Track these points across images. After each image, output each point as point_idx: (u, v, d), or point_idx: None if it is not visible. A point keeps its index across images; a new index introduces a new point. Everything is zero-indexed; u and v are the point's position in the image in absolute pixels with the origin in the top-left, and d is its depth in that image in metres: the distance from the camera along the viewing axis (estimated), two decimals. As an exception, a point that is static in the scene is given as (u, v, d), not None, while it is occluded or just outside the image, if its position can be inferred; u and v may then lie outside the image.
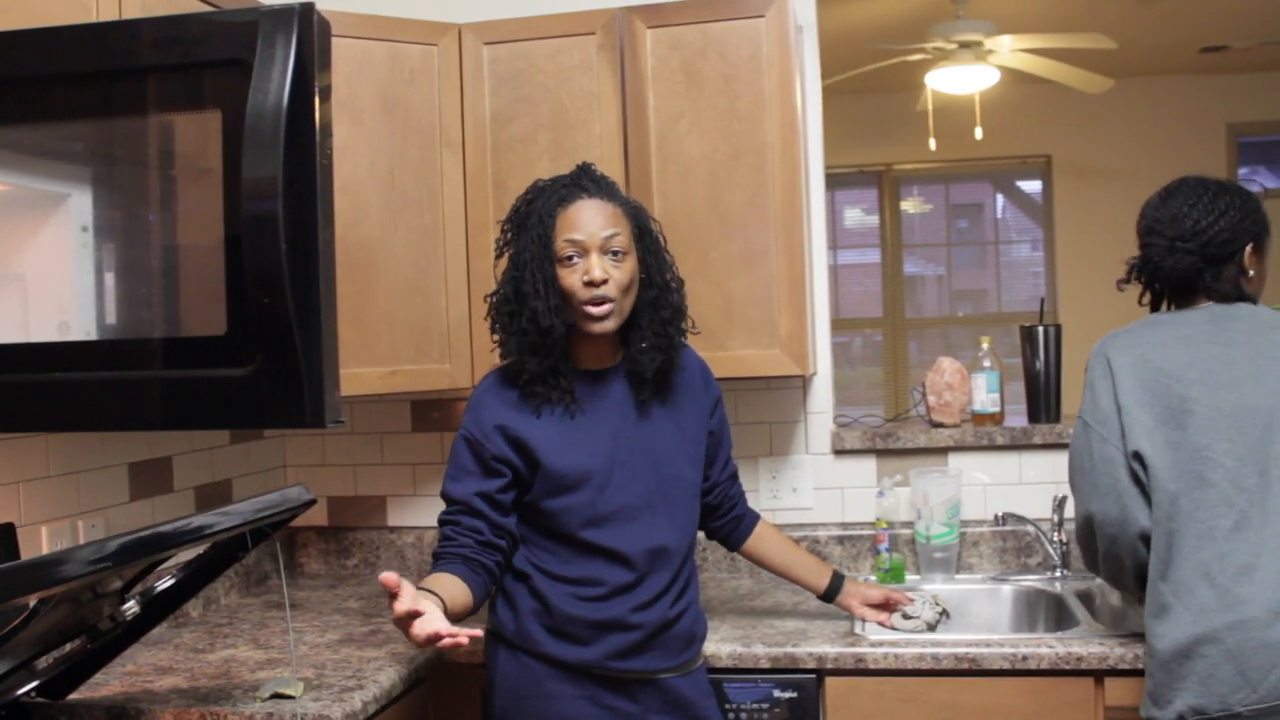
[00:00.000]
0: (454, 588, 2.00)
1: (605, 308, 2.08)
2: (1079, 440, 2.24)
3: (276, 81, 1.64)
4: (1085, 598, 2.72)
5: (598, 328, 2.10)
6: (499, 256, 2.20)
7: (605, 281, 2.07)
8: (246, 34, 1.67)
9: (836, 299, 7.76)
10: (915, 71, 6.07)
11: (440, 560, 2.10)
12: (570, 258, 2.08)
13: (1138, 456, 2.13)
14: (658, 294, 2.16)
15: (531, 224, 2.12)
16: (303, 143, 1.65)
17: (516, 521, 2.17)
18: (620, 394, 2.19)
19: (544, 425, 2.14)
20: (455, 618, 1.93)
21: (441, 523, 2.15)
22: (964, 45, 5.61)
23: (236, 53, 1.68)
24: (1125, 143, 7.49)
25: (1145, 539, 2.13)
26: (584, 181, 2.14)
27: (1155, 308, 2.32)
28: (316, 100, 1.66)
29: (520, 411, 2.14)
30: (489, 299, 2.20)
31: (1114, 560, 2.20)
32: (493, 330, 2.18)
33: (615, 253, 2.09)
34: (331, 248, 1.71)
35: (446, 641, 1.74)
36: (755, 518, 2.49)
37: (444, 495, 2.17)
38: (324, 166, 1.67)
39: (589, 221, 2.09)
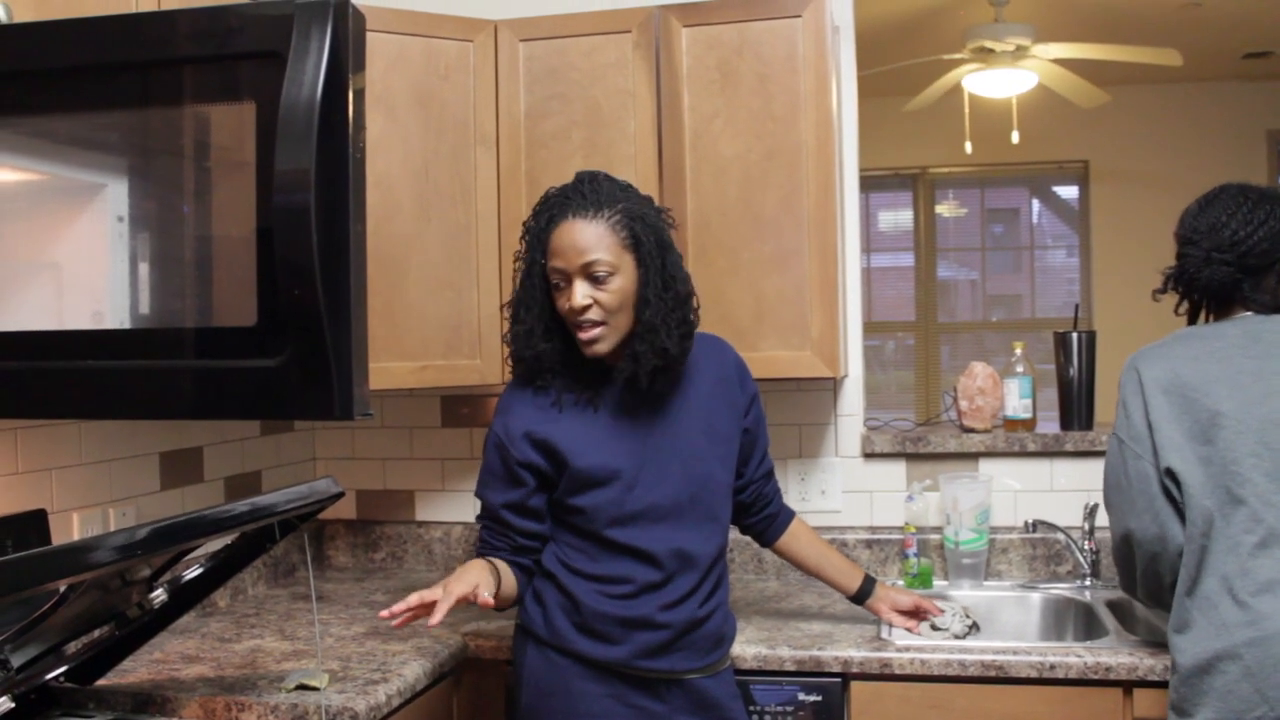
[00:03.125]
0: (510, 575, 2.16)
1: (594, 332, 2.08)
2: (1114, 457, 2.21)
3: (310, 73, 1.64)
4: (1115, 607, 2.69)
5: (590, 351, 2.11)
6: (517, 264, 2.20)
7: (587, 308, 2.06)
8: (282, 26, 1.67)
9: (869, 302, 7.73)
10: (965, 74, 6.02)
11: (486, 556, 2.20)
12: (558, 283, 2.09)
13: (1170, 473, 2.10)
14: (640, 307, 2.09)
15: (532, 243, 2.14)
16: (336, 135, 1.65)
17: (549, 526, 2.20)
18: (649, 394, 2.18)
19: (569, 423, 2.14)
20: (505, 601, 2.15)
21: (479, 522, 2.24)
22: (1019, 49, 5.56)
23: (271, 44, 1.68)
24: (1165, 149, 7.42)
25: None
26: (575, 197, 2.10)
27: (1193, 319, 2.28)
28: (350, 93, 1.66)
29: (545, 412, 2.15)
30: (503, 309, 2.23)
31: (1154, 578, 2.17)
32: (506, 342, 2.21)
33: (597, 276, 2.06)
34: (363, 241, 1.71)
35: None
36: (790, 515, 2.48)
37: (479, 497, 2.23)
38: (356, 159, 1.68)
39: (569, 247, 2.06)
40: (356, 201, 1.68)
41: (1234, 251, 2.17)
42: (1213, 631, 2.01)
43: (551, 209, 2.11)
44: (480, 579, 2.02)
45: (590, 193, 2.10)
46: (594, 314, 2.06)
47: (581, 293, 2.06)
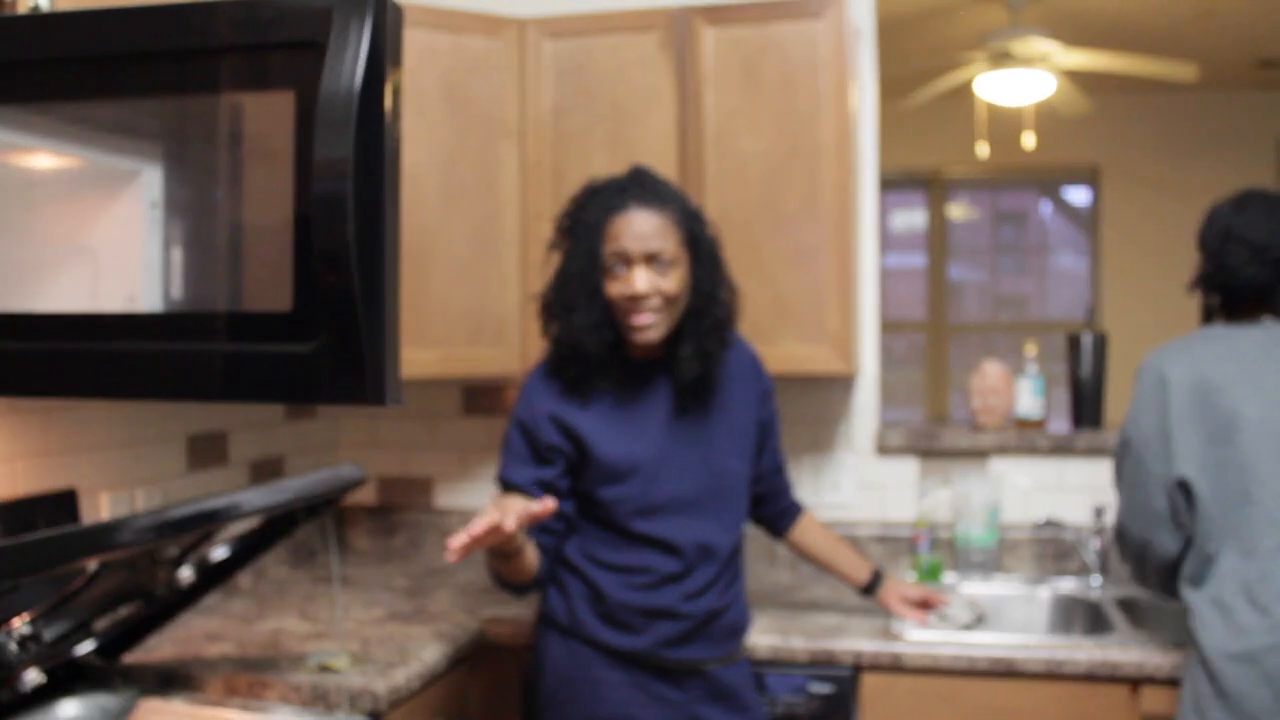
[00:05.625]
0: (531, 549, 2.10)
1: (647, 318, 2.10)
2: (1121, 454, 2.25)
3: (350, 63, 1.66)
4: (1123, 605, 2.72)
5: (640, 338, 2.12)
6: (550, 251, 2.22)
7: (647, 295, 2.08)
8: (321, 16, 1.70)
9: (882, 301, 7.74)
10: (972, 78, 6.03)
11: None
12: (616, 268, 2.10)
13: (1182, 485, 2.12)
14: (703, 303, 2.16)
15: (580, 232, 2.13)
16: (374, 125, 1.67)
17: (573, 507, 2.20)
18: (669, 386, 2.21)
19: (593, 415, 2.16)
20: (527, 571, 2.10)
21: None
22: (1043, 55, 5.56)
23: (311, 34, 1.70)
24: (1176, 155, 7.43)
25: (1169, 565, 2.15)
26: (634, 189, 2.12)
27: (1207, 319, 2.30)
28: (388, 84, 1.69)
29: (570, 401, 2.17)
30: (537, 298, 2.22)
31: (1138, 570, 2.26)
32: (543, 331, 2.21)
33: (661, 263, 2.09)
34: (397, 229, 1.73)
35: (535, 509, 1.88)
36: (800, 508, 2.52)
37: (501, 480, 2.20)
38: (392, 149, 1.70)
39: (635, 232, 2.08)
40: (392, 191, 1.71)
41: (1270, 254, 2.18)
42: (1229, 635, 2.02)
43: (609, 199, 2.12)
44: (521, 501, 1.95)
45: (651, 186, 2.14)
46: (654, 301, 2.09)
47: (643, 278, 2.08)
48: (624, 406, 2.18)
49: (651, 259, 2.09)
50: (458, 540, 1.79)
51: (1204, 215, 2.30)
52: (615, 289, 2.10)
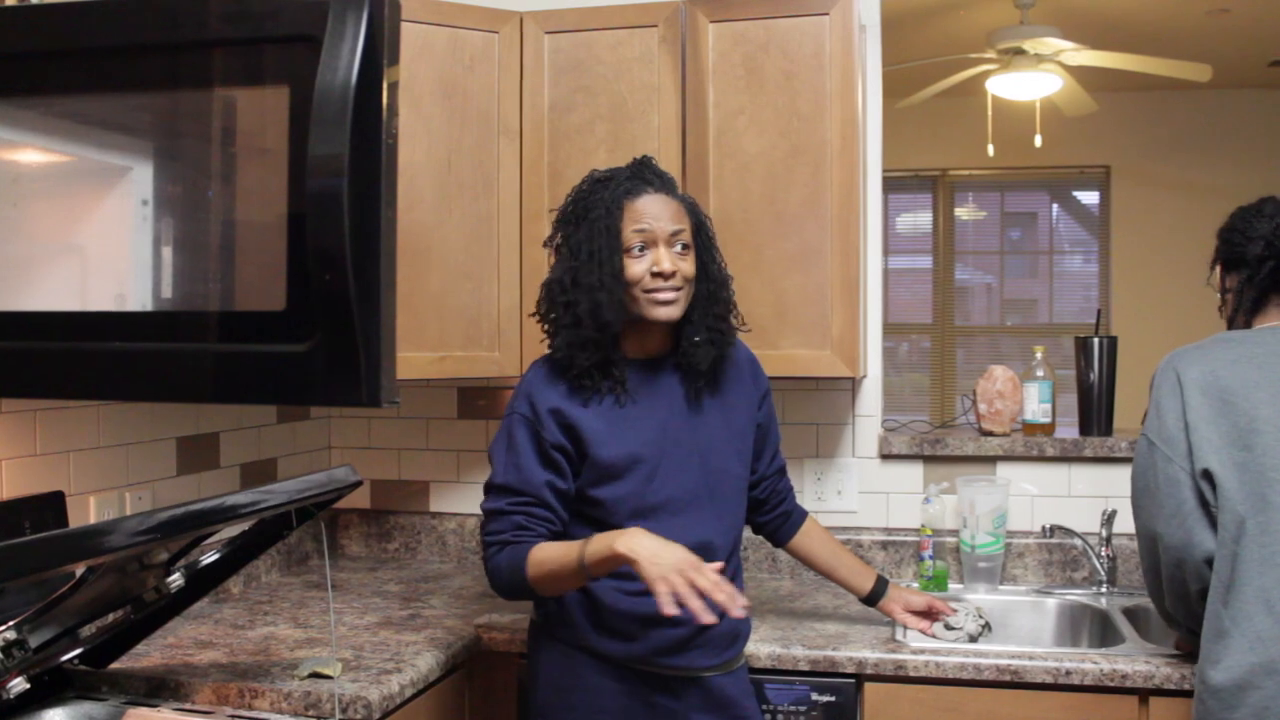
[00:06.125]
0: None
1: (671, 294, 2.11)
2: (1143, 459, 2.18)
3: (346, 59, 1.64)
4: (1131, 614, 2.68)
5: (664, 313, 2.11)
6: (551, 246, 2.19)
7: (674, 274, 2.10)
8: (317, 10, 1.67)
9: (886, 303, 7.72)
10: (976, 76, 6.00)
11: (528, 544, 2.07)
12: (638, 248, 2.10)
13: (1206, 475, 2.07)
14: (713, 288, 2.18)
15: (595, 216, 2.11)
16: (370, 121, 1.64)
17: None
18: (669, 385, 2.18)
19: (593, 414, 2.12)
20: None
21: (503, 512, 2.09)
22: (1055, 53, 5.53)
23: (306, 29, 1.68)
24: (1187, 156, 7.40)
25: (1210, 563, 2.08)
26: (647, 175, 2.15)
27: (1233, 319, 2.25)
28: (385, 79, 1.66)
29: (570, 401, 2.13)
30: (543, 289, 2.18)
31: (1179, 584, 2.14)
32: (544, 321, 2.17)
33: (681, 246, 2.12)
34: (393, 227, 1.70)
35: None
36: (803, 515, 2.47)
37: (505, 485, 2.10)
38: (389, 146, 1.67)
39: (657, 214, 2.11)
40: (388, 188, 1.68)
41: None
42: (1246, 645, 1.98)
43: (623, 183, 2.13)
44: (695, 558, 1.94)
45: (664, 175, 2.18)
46: (677, 280, 2.11)
47: (668, 257, 2.10)
48: (622, 405, 2.14)
49: (673, 240, 2.11)
50: (710, 617, 1.89)
51: (1240, 219, 2.26)
52: (638, 268, 2.10)
